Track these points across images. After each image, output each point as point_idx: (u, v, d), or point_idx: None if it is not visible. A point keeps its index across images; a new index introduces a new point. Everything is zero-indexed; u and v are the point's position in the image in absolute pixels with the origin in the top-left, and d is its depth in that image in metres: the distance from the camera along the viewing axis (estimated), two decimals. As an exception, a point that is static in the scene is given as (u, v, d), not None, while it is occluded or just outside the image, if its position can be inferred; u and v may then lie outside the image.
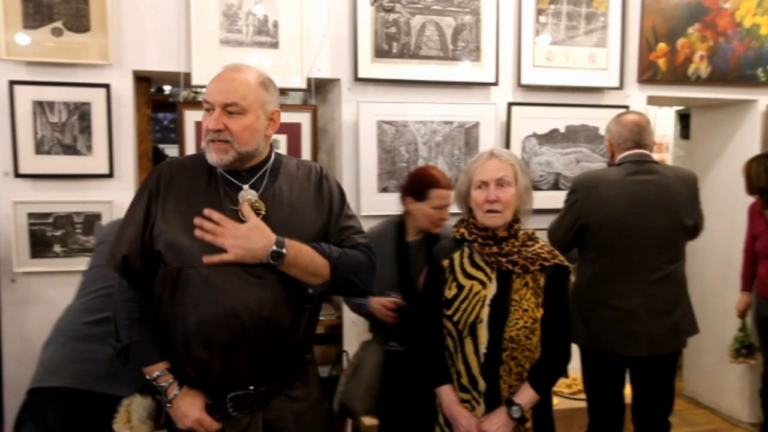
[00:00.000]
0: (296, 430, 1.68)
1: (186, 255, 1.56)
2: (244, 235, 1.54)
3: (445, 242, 2.03)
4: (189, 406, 1.59)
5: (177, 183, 1.64)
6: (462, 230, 1.96)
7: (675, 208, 2.48)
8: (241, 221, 1.57)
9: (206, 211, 1.55)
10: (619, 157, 2.56)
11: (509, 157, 1.96)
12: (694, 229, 2.57)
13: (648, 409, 2.57)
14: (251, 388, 1.61)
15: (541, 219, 2.99)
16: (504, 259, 1.88)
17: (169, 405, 1.61)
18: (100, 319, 1.90)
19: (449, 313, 1.91)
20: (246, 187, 1.64)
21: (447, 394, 1.93)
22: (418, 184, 2.36)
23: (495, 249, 1.90)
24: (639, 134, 2.52)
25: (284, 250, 1.56)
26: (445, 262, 1.96)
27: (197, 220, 1.54)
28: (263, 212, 1.62)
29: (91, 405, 1.80)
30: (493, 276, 1.90)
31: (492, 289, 1.89)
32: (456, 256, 1.96)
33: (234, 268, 1.55)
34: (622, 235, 2.45)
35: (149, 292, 1.62)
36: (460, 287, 1.91)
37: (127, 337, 1.61)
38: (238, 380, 1.60)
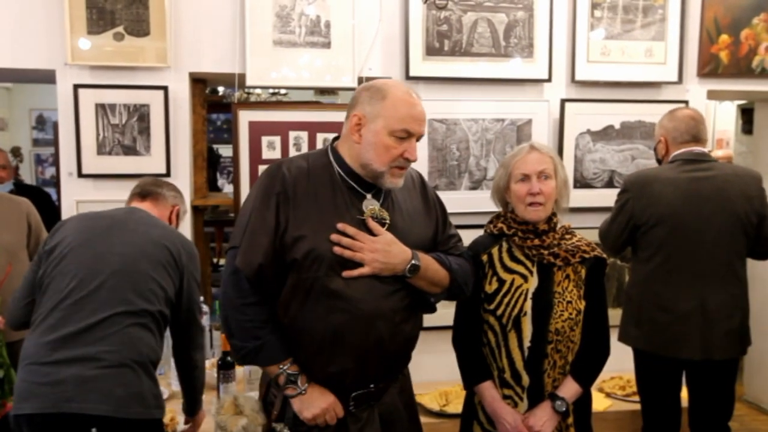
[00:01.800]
0: (406, 419, 1.78)
1: (324, 265, 1.58)
2: (383, 249, 1.60)
3: (481, 238, 2.03)
4: (322, 391, 1.64)
5: (302, 189, 1.62)
6: (500, 225, 1.97)
7: (732, 207, 2.39)
8: (369, 231, 1.62)
9: (340, 226, 1.59)
10: (674, 153, 2.50)
11: (549, 150, 1.97)
12: (757, 235, 2.45)
13: (705, 415, 2.48)
14: (372, 386, 1.68)
15: (593, 217, 2.94)
16: (546, 252, 1.89)
17: (303, 392, 1.62)
18: (63, 338, 1.80)
19: (491, 307, 1.91)
20: (369, 196, 1.67)
21: (489, 390, 1.93)
22: None
23: (537, 242, 1.90)
24: (696, 127, 2.48)
25: (420, 263, 1.64)
26: (484, 257, 1.96)
27: (335, 237, 1.58)
28: (388, 222, 1.66)
29: (63, 426, 1.77)
30: (534, 269, 1.91)
31: (534, 283, 1.90)
32: (494, 251, 1.96)
33: (368, 278, 1.60)
34: (676, 234, 2.39)
35: (272, 297, 1.63)
36: (501, 281, 1.92)
37: (256, 338, 1.61)
38: (365, 381, 1.67)
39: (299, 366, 1.64)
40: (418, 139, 1.67)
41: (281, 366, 1.62)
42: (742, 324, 2.44)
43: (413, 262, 1.63)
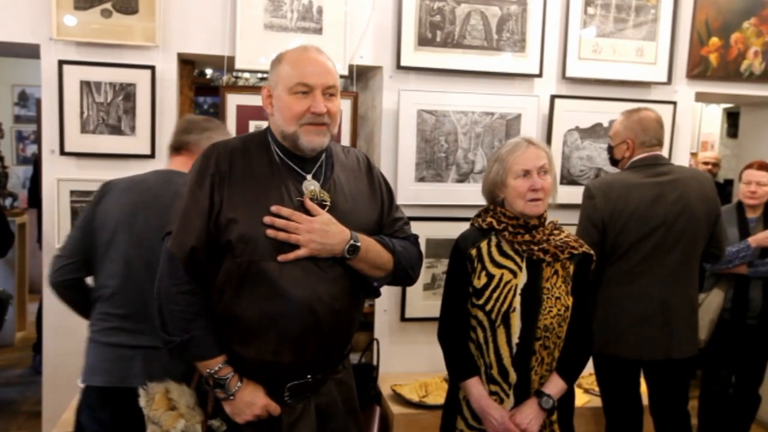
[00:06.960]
0: (344, 412, 1.71)
1: (258, 248, 1.52)
2: (320, 229, 1.54)
3: (468, 232, 2.01)
4: (253, 395, 1.58)
5: (238, 169, 1.58)
6: (489, 219, 1.95)
7: (692, 210, 2.43)
8: (307, 213, 1.56)
9: (274, 208, 1.53)
10: (636, 158, 2.52)
11: (544, 145, 1.97)
12: (711, 234, 2.50)
13: (667, 407, 2.57)
14: (309, 376, 1.62)
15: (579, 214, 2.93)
16: (536, 248, 1.88)
17: (231, 397, 1.57)
18: (128, 328, 1.95)
19: (480, 302, 1.90)
20: (309, 177, 1.62)
21: (476, 387, 1.91)
22: None
23: (527, 237, 1.89)
24: (661, 131, 2.54)
25: (359, 244, 1.58)
26: (473, 252, 1.94)
27: (268, 219, 1.52)
28: (328, 203, 1.60)
29: (130, 398, 1.82)
30: (523, 265, 1.90)
31: (523, 278, 1.89)
32: (483, 245, 1.94)
33: (306, 262, 1.55)
34: (641, 237, 2.41)
35: (207, 284, 1.57)
36: (490, 276, 1.90)
37: (185, 332, 1.54)
38: (302, 370, 1.61)
39: (233, 355, 1.58)
40: (329, 92, 1.59)
41: (209, 368, 1.56)
42: (696, 325, 2.52)
43: (352, 242, 1.57)
